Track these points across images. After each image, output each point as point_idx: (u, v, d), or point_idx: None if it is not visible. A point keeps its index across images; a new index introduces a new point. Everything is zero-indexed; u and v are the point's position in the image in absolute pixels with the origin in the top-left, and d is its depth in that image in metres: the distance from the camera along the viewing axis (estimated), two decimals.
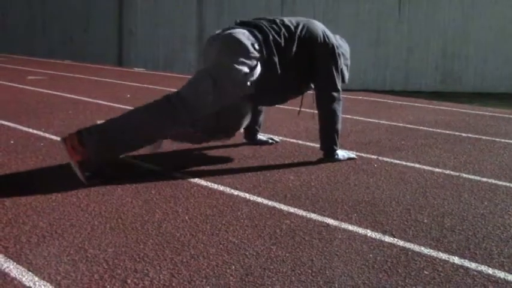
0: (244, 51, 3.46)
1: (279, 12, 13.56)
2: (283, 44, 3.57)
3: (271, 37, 3.55)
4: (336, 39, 3.89)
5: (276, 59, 3.54)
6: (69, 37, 15.39)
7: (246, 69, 3.44)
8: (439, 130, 5.04)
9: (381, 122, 5.40)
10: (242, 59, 3.44)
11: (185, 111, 3.37)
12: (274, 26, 3.64)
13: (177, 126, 3.45)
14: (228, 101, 3.54)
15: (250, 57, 3.46)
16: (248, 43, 3.47)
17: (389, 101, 7.26)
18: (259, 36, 3.53)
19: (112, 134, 3.28)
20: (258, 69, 3.49)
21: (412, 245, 2.43)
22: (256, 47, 3.49)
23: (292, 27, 3.66)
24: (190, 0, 14.44)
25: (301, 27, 3.68)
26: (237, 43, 3.47)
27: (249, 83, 3.48)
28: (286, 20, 3.72)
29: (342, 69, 3.83)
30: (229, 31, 3.57)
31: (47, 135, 4.35)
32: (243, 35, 3.50)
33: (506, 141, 4.67)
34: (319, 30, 3.73)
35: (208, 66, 3.51)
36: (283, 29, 3.62)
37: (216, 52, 3.51)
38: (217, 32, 3.65)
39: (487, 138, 4.77)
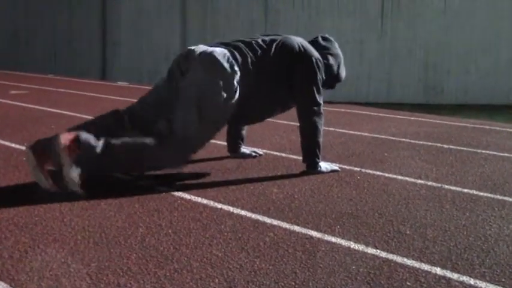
0: (224, 75, 3.47)
1: (262, 26, 13.60)
2: (260, 65, 3.59)
3: (249, 59, 3.57)
4: (327, 44, 3.93)
5: (255, 80, 3.56)
6: (52, 51, 15.33)
7: (226, 94, 3.47)
8: (421, 142, 5.08)
9: (364, 134, 5.43)
10: (223, 83, 3.46)
11: (173, 144, 3.38)
12: (251, 47, 3.65)
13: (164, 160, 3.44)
14: (217, 130, 3.59)
15: (231, 80, 3.48)
16: (227, 66, 3.48)
17: (372, 113, 7.29)
18: (239, 58, 3.55)
19: (91, 156, 3.23)
20: (237, 92, 3.52)
21: (394, 256, 2.45)
22: (236, 68, 3.51)
23: (267, 47, 3.67)
24: (173, 14, 14.46)
25: (276, 44, 3.70)
26: (218, 65, 3.48)
27: (230, 107, 3.51)
28: (260, 40, 3.73)
29: (335, 71, 3.89)
30: (209, 50, 3.56)
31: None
32: (223, 57, 3.51)
33: (488, 152, 4.72)
34: (295, 44, 3.73)
35: (192, 95, 3.46)
36: (259, 50, 3.64)
37: (196, 74, 3.49)
38: (195, 48, 3.61)
39: (469, 149, 4.81)
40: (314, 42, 3.94)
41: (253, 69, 3.57)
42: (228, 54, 3.54)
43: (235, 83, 3.50)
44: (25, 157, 3.28)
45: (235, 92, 3.50)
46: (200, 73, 3.50)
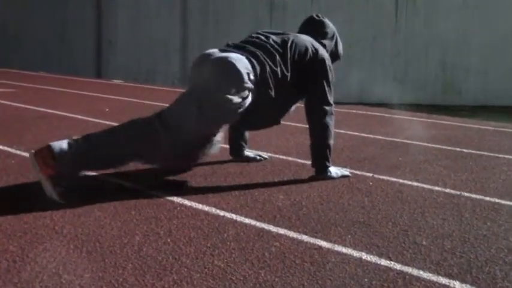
0: (238, 81, 3.48)
1: (267, 21, 13.61)
2: (279, 73, 3.60)
3: (268, 68, 3.57)
4: (309, 31, 4.00)
5: (272, 91, 3.57)
6: (43, 47, 15.36)
7: (237, 100, 3.47)
8: (438, 146, 5.07)
9: (377, 137, 5.42)
10: (235, 89, 3.46)
11: (165, 134, 3.38)
12: (267, 53, 3.65)
13: (158, 151, 3.44)
14: (214, 129, 3.58)
15: (243, 88, 3.49)
16: (244, 72, 3.49)
17: (385, 114, 7.29)
18: (257, 66, 3.55)
19: (87, 152, 3.29)
20: (249, 99, 3.52)
21: (410, 268, 2.44)
22: (252, 77, 3.51)
23: (283, 51, 3.68)
24: (173, 9, 14.48)
25: (290, 45, 3.71)
26: (233, 71, 3.48)
27: (237, 113, 3.52)
28: (272, 41, 3.73)
29: (330, 53, 3.98)
30: (225, 54, 3.57)
31: (18, 152, 4.33)
32: (240, 62, 3.51)
33: (510, 157, 4.70)
34: (308, 45, 3.77)
35: (197, 90, 3.50)
36: (277, 55, 3.65)
37: (209, 75, 3.50)
38: (211, 51, 3.64)
39: (490, 154, 4.80)
40: (304, 32, 3.99)
41: (270, 78, 3.58)
42: (245, 61, 3.54)
43: (247, 91, 3.50)
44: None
45: (246, 99, 3.50)
46: (212, 74, 3.50)
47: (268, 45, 3.70)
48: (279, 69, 3.61)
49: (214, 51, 3.63)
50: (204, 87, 3.50)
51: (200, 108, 3.43)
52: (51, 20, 15.43)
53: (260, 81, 3.55)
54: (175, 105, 3.53)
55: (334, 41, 4.08)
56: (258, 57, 3.60)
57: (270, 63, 3.61)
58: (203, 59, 3.61)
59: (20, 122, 5.70)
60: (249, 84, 3.50)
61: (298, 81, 3.71)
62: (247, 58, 3.57)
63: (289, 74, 3.64)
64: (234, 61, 3.51)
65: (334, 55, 4.09)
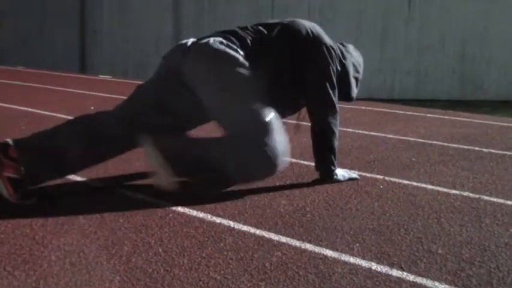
0: (230, 60, 3.49)
1: (269, 8, 13.61)
2: (261, 49, 3.59)
3: (248, 41, 3.58)
4: (348, 49, 3.91)
5: (257, 67, 3.55)
6: (22, 38, 15.35)
7: (243, 71, 3.49)
8: (456, 145, 5.08)
9: (388, 136, 5.43)
10: (234, 68, 3.48)
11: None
12: (247, 31, 3.66)
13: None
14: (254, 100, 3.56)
15: (240, 61, 3.49)
16: (231, 51, 3.50)
17: (397, 111, 7.30)
18: (236, 41, 3.56)
19: (49, 150, 3.35)
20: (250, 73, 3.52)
21: (424, 279, 2.44)
22: (240, 51, 3.52)
23: (268, 30, 3.67)
24: None
25: (279, 28, 3.69)
26: (221, 54, 3.50)
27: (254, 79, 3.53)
28: (259, 25, 3.72)
29: (349, 80, 3.86)
30: (203, 41, 3.57)
31: None
32: (221, 44, 3.52)
33: None
34: (302, 28, 3.71)
35: (206, 99, 3.51)
36: (258, 35, 3.64)
37: (203, 74, 3.51)
38: (185, 42, 3.64)
39: None
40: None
41: (253, 52, 3.56)
42: (224, 40, 3.55)
43: (244, 62, 3.50)
44: None
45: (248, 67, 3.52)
46: (207, 71, 3.51)
47: (249, 26, 3.70)
48: (261, 47, 3.59)
49: (189, 42, 3.63)
50: (217, 89, 3.50)
51: (235, 102, 3.48)
52: (29, 8, 15.37)
53: (244, 53, 3.54)
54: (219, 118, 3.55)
55: (355, 74, 3.93)
56: (237, 32, 3.62)
57: (250, 38, 3.60)
58: (179, 51, 3.61)
59: None
60: (241, 57, 3.51)
61: (292, 70, 3.67)
62: (224, 37, 3.58)
63: (273, 55, 3.62)
64: (216, 46, 3.51)
65: (347, 86, 3.90)
